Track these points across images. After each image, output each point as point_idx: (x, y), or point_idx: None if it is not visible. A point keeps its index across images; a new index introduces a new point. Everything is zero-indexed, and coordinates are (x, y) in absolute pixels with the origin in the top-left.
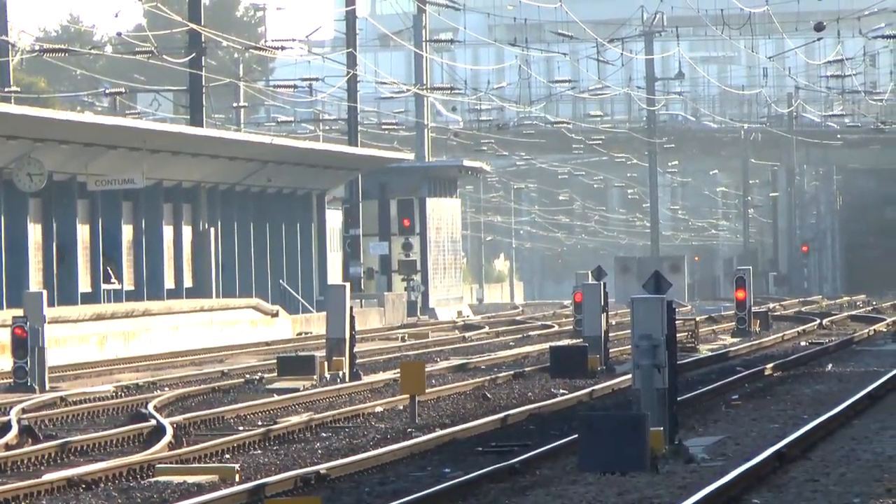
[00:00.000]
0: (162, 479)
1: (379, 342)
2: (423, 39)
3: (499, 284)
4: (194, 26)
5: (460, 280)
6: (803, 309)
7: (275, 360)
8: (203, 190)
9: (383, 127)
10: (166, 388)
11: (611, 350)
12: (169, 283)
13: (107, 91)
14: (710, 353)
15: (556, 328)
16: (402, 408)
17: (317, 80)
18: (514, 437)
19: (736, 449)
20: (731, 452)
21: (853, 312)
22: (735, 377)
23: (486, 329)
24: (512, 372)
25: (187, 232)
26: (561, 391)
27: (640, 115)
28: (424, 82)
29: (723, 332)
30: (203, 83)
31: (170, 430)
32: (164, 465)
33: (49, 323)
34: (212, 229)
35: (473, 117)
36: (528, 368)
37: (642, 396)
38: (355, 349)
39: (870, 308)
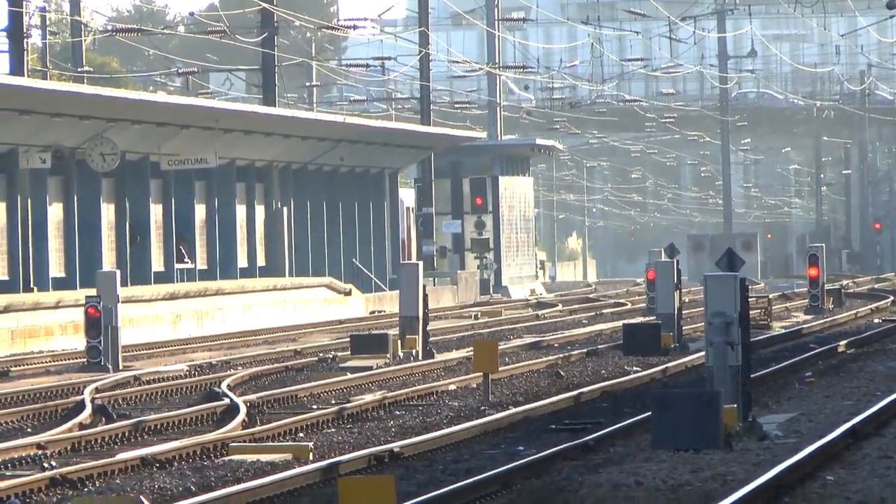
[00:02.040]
0: (236, 457)
1: (452, 320)
2: (496, 18)
3: (571, 262)
4: (266, 5)
5: (533, 258)
6: (876, 286)
7: (348, 339)
8: (275, 169)
9: (456, 106)
10: (239, 368)
11: (684, 328)
12: (242, 262)
13: (179, 71)
14: (783, 331)
15: (629, 306)
16: (475, 386)
17: (389, 59)
18: (588, 415)
19: (809, 426)
20: (805, 429)
21: None
22: (808, 354)
23: (559, 307)
24: (585, 350)
25: (260, 211)
26: (634, 369)
27: (712, 93)
28: (497, 61)
29: (796, 310)
30: (275, 63)
31: (243, 409)
32: (237, 443)
33: (122, 303)
34: (284, 208)
35: (546, 95)
36: (602, 346)
37: (715, 374)
38: (428, 327)
39: None
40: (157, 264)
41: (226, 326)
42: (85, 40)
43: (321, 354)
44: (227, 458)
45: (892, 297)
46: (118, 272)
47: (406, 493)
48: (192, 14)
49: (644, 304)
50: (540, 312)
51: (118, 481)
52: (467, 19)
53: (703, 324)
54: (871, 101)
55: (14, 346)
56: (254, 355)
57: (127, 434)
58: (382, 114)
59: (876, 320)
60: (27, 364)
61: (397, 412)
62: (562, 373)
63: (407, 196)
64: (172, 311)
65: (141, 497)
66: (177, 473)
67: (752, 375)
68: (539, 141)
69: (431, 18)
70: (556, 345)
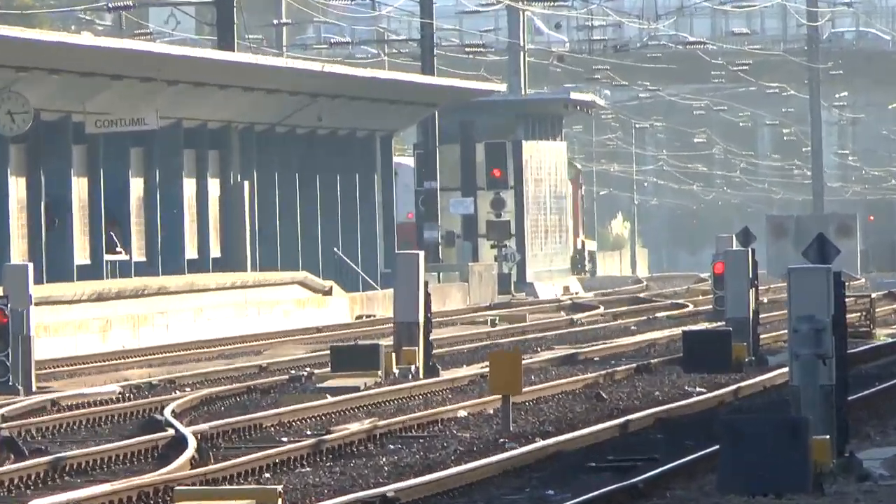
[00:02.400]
0: None
1: (462, 327)
2: None
3: (616, 252)
4: None
5: (567, 247)
6: None
7: (327, 351)
8: (234, 132)
9: (467, 50)
10: (188, 388)
11: (761, 336)
12: (191, 252)
13: (110, 6)
14: (890, 340)
15: (691, 308)
16: (491, 412)
17: None
18: (637, 449)
19: None
20: None
21: None
22: None
23: (601, 310)
24: (634, 365)
25: (214, 187)
26: (697, 389)
27: (798, 34)
28: None
29: None
30: None
31: (192, 443)
32: (184, 487)
33: (36, 305)
34: (245, 183)
35: (583, 36)
36: (655, 360)
37: (802, 395)
38: (431, 336)
39: None
40: (82, 255)
41: (170, 335)
42: None
43: (293, 371)
44: None
45: None
46: (30, 266)
47: None
48: None
49: (710, 307)
50: (576, 317)
51: None
52: None
53: (786, 331)
54: None
55: None
56: (206, 372)
57: (43, 475)
58: (372, 60)
59: None
60: None
61: (391, 446)
62: (604, 395)
63: (404, 167)
64: (101, 315)
65: None
66: None
67: (849, 398)
68: (574, 95)
69: None
70: (596, 358)
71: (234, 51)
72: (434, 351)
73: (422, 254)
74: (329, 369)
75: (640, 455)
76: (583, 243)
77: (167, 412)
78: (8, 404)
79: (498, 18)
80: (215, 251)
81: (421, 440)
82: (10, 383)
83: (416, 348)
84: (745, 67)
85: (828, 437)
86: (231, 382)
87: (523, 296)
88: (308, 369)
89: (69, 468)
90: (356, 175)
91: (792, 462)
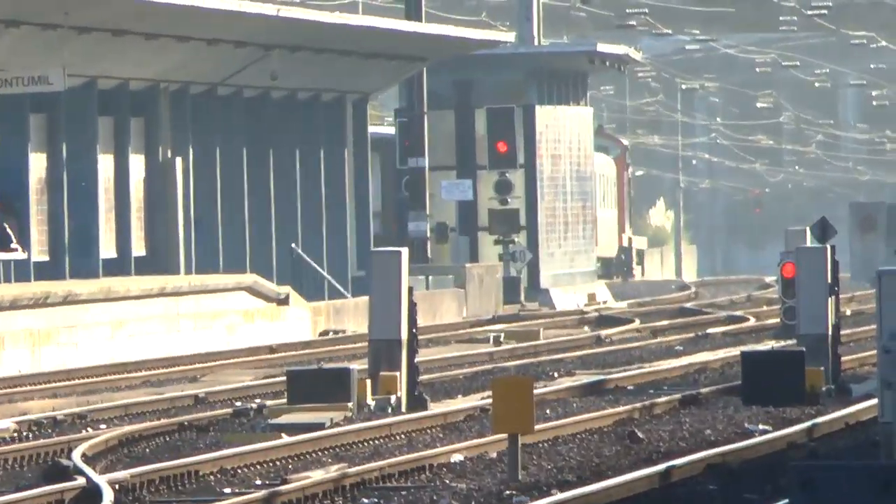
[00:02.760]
0: None
1: (457, 346)
2: None
3: (657, 249)
4: None
5: (592, 242)
6: None
7: (283, 378)
8: (164, 94)
9: None
10: (103, 425)
11: (843, 358)
12: (108, 250)
13: None
14: None
15: (753, 322)
16: (494, 455)
17: None
18: (684, 503)
19: None
20: None
21: None
22: None
23: (636, 324)
24: (679, 395)
25: (138, 165)
26: (760, 427)
27: None
28: None
29: None
30: None
31: (109, 495)
32: None
33: None
34: (178, 160)
35: None
36: (706, 389)
37: None
38: (417, 358)
39: None
40: None
41: (81, 356)
42: None
43: (239, 404)
44: None
45: None
46: None
47: None
48: None
49: (777, 320)
50: (604, 333)
51: None
52: None
53: (874, 352)
54: None
55: None
56: (127, 405)
57: None
58: (343, 2)
59: None
60: None
61: (365, 500)
62: (640, 434)
63: (382, 139)
64: None
65: None
66: None
67: None
68: (602, 47)
69: None
70: (629, 387)
71: None
72: (421, 377)
73: (405, 251)
74: (285, 401)
75: None
76: (629, 240)
77: (76, 455)
78: None
79: None
80: (139, 248)
81: (403, 493)
82: None
83: (398, 374)
84: (822, 12)
85: None
86: (159, 417)
87: (536, 306)
88: (258, 401)
89: None
90: (321, 150)
91: None
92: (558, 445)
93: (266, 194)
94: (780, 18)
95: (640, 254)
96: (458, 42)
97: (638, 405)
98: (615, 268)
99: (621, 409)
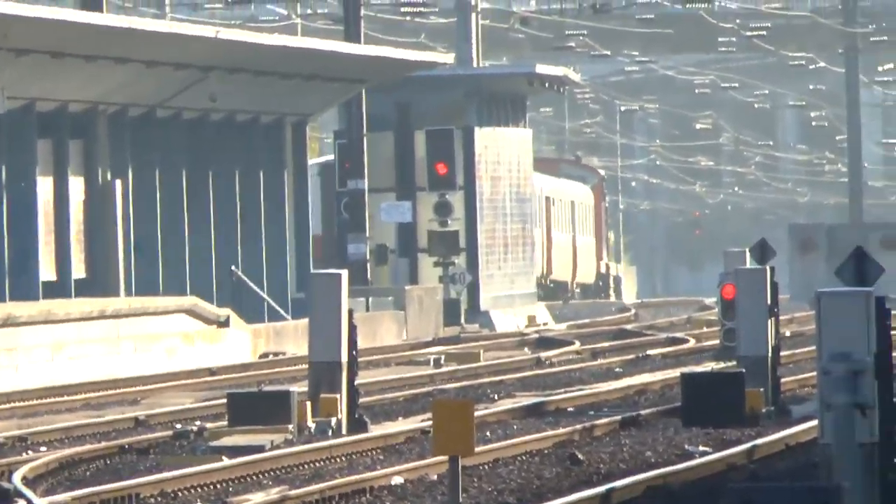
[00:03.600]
0: None
1: (397, 369)
2: None
3: None
4: None
5: (532, 264)
6: None
7: (223, 400)
8: (103, 117)
9: (402, 10)
10: (43, 448)
11: (783, 380)
12: (46, 272)
13: None
14: None
15: (693, 343)
16: (435, 478)
17: None
18: None
19: None
20: None
21: None
22: None
23: (576, 346)
24: (619, 417)
25: (77, 187)
26: (700, 449)
27: None
28: None
29: None
30: None
31: None
32: None
33: None
34: (117, 182)
35: None
36: (646, 411)
37: (835, 457)
38: (358, 381)
39: None
40: None
41: (20, 379)
42: None
43: (179, 426)
44: None
45: None
46: None
47: None
48: None
49: (717, 342)
50: (544, 355)
51: None
52: None
53: (814, 374)
54: None
55: None
56: (67, 427)
57: None
58: (282, 24)
59: None
60: None
61: None
62: (580, 456)
63: (320, 163)
64: None
65: None
66: None
67: None
68: (541, 69)
69: None
70: (570, 409)
71: (102, 11)
72: (361, 399)
73: (345, 274)
74: (226, 423)
75: None
76: (607, 267)
77: (17, 478)
78: None
79: None
80: (79, 271)
81: None
82: None
83: (339, 396)
84: (761, 33)
85: None
86: (99, 440)
87: (476, 328)
88: (199, 423)
89: None
90: (260, 172)
91: None
92: (499, 468)
93: (206, 216)
94: (720, 39)
95: (618, 280)
96: (397, 64)
97: (578, 427)
98: (593, 294)
99: (562, 431)
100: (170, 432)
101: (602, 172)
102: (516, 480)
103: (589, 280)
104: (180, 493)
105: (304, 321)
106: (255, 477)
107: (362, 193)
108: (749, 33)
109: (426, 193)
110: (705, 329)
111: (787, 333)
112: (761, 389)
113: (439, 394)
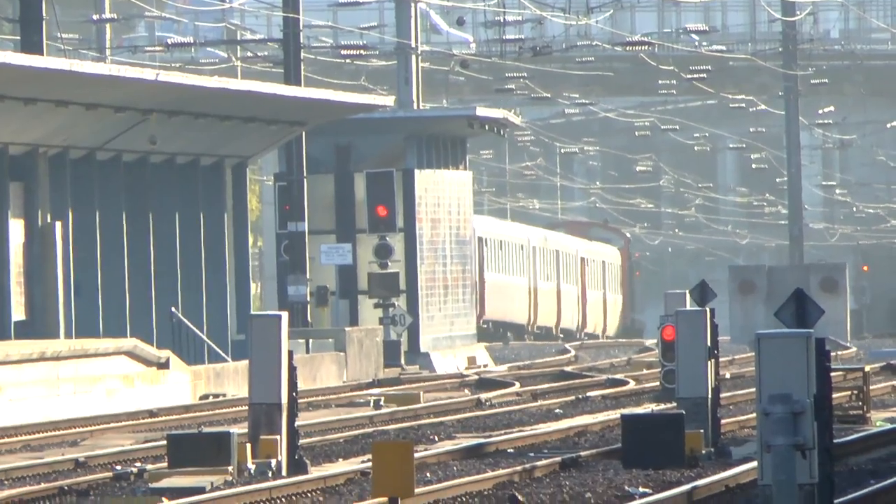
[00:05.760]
0: None
1: (337, 410)
2: None
3: None
4: None
5: (472, 306)
6: None
7: (163, 442)
8: (42, 159)
9: (343, 53)
10: None
11: (723, 421)
12: None
13: None
14: (888, 426)
15: (633, 385)
16: None
17: None
18: None
19: None
20: None
21: None
22: None
23: (516, 387)
24: (559, 458)
25: (17, 229)
26: (640, 490)
27: (770, 31)
28: None
29: None
30: None
31: None
32: None
33: None
34: (57, 224)
35: (494, 35)
36: (586, 453)
37: (776, 498)
38: (298, 422)
39: None
40: None
41: None
42: None
43: (119, 468)
44: None
45: None
46: None
47: None
48: None
49: (657, 383)
50: (484, 396)
51: None
52: None
53: (754, 415)
54: None
55: None
56: (6, 469)
57: None
58: (221, 67)
59: None
60: None
61: None
62: (520, 497)
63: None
64: None
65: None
66: None
67: (836, 501)
68: (482, 111)
69: None
70: (510, 450)
71: (42, 54)
72: (301, 441)
73: (285, 315)
74: (166, 465)
75: None
76: (633, 321)
77: None
78: None
79: (383, 12)
80: (18, 313)
81: None
82: None
83: (278, 437)
84: (702, 75)
85: None
86: (38, 482)
87: (416, 369)
88: (139, 465)
89: None
90: (200, 214)
91: None
92: None
93: (146, 258)
94: (659, 82)
95: (640, 331)
96: (337, 106)
97: (518, 468)
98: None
99: (501, 471)
100: (110, 474)
101: (628, 234)
102: None
103: (611, 331)
104: None
105: (245, 363)
106: None
107: (302, 236)
108: (689, 76)
109: (366, 235)
110: (645, 371)
111: (728, 375)
112: (701, 431)
113: (379, 435)
